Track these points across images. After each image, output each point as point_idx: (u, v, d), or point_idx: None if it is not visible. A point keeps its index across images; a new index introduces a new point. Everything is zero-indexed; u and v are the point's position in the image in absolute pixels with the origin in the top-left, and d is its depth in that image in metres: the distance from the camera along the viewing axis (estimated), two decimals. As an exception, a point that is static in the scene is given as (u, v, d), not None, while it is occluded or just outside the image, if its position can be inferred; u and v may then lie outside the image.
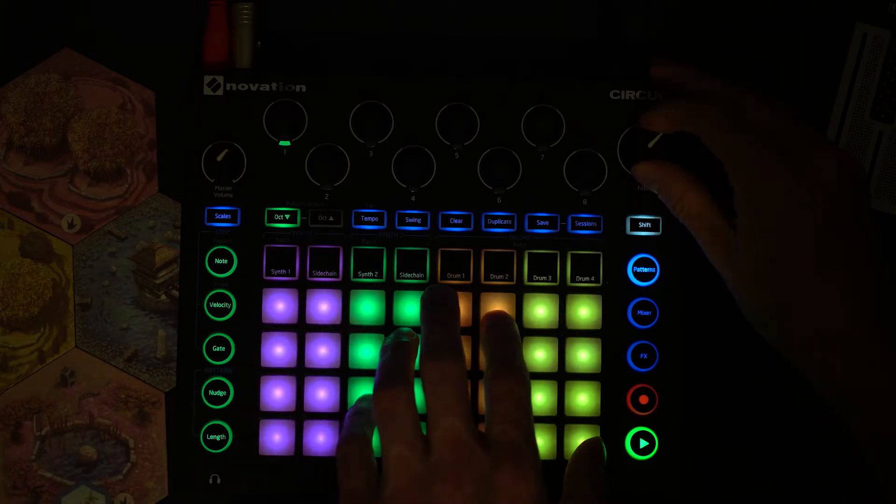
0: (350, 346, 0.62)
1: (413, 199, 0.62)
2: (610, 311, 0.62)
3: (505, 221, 0.62)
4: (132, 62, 0.65)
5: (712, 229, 0.58)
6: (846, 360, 0.54)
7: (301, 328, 0.62)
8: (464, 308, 0.62)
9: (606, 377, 0.62)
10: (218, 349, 0.61)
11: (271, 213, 0.62)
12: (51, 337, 0.65)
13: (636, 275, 0.62)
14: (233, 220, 0.61)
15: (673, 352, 0.62)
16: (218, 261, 0.61)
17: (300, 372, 0.61)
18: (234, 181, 0.62)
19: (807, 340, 0.55)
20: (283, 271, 0.61)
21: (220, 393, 0.61)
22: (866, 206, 0.56)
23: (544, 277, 0.62)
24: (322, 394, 0.61)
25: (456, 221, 0.62)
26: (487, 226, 0.62)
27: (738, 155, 0.56)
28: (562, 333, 0.62)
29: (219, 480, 0.61)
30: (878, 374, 0.54)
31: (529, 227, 0.62)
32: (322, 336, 0.62)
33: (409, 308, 0.62)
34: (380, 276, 0.62)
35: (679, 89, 0.60)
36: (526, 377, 0.57)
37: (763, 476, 0.65)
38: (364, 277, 0.62)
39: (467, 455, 0.53)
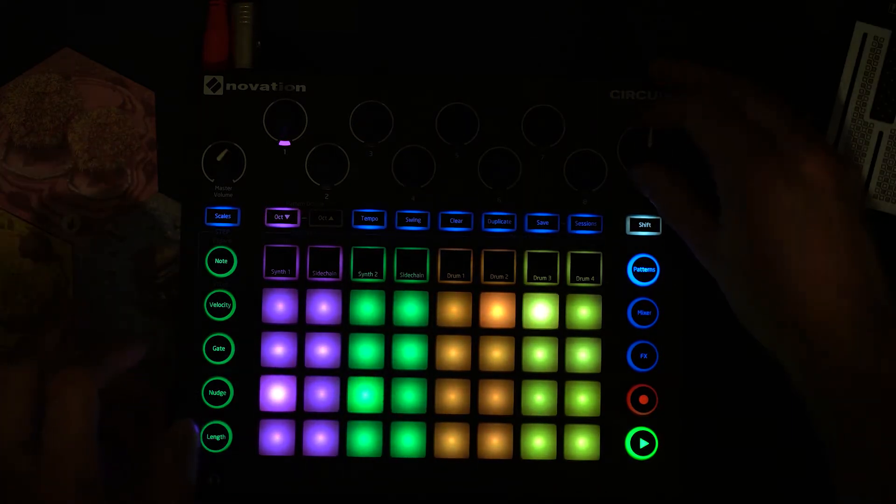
0: (350, 346, 0.62)
1: (413, 199, 0.62)
2: (610, 311, 0.62)
3: (505, 221, 0.62)
4: (132, 62, 0.65)
5: (699, 229, 0.58)
6: (831, 360, 0.53)
7: (301, 328, 0.62)
8: (464, 308, 0.62)
9: (606, 377, 0.62)
10: (218, 349, 0.61)
11: (271, 213, 0.62)
12: (51, 337, 0.65)
13: (636, 275, 0.62)
14: (233, 220, 0.61)
15: (673, 352, 0.62)
16: (218, 261, 0.61)
17: (300, 372, 0.61)
18: (234, 181, 0.62)
19: (792, 339, 0.55)
20: (283, 271, 0.61)
21: (220, 393, 0.61)
22: (857, 205, 0.55)
23: (544, 277, 0.62)
24: (322, 394, 0.61)
25: (456, 221, 0.62)
26: (487, 226, 0.62)
27: (724, 148, 0.55)
28: (562, 333, 0.62)
29: (219, 481, 0.61)
30: (860, 377, 0.53)
31: (529, 227, 0.62)
32: (322, 336, 0.62)
33: (409, 308, 0.62)
34: (380, 276, 0.62)
35: (678, 87, 0.60)
36: None
37: (763, 476, 0.65)
38: (364, 277, 0.62)
39: None
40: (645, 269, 0.62)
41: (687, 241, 0.59)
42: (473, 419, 0.62)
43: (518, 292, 0.62)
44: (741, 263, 0.55)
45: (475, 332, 0.62)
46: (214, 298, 0.61)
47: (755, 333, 0.57)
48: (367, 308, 0.62)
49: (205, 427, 0.61)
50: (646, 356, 0.62)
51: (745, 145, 0.55)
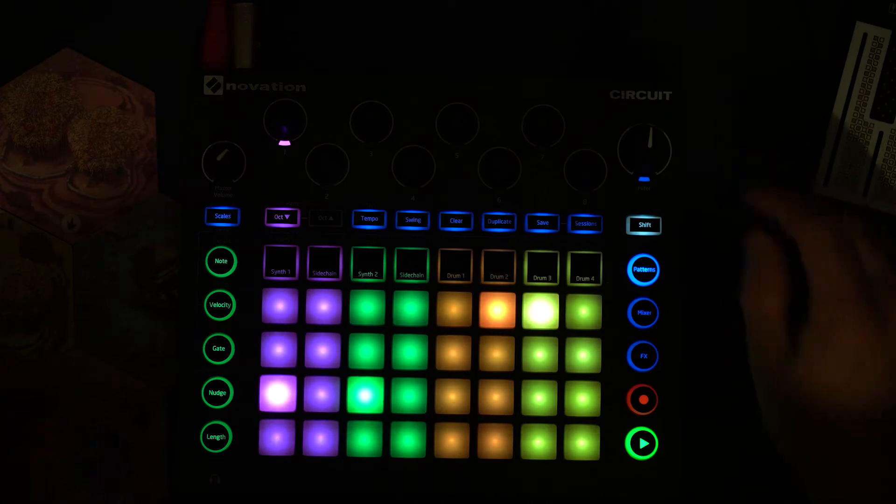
0: (350, 346, 0.62)
1: (413, 199, 0.62)
2: (610, 311, 0.62)
3: (505, 221, 0.62)
4: (132, 62, 0.65)
5: (773, 338, 0.57)
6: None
7: (301, 328, 0.62)
8: (464, 308, 0.62)
9: (606, 377, 0.62)
10: (218, 349, 0.61)
11: (271, 213, 0.62)
12: (51, 337, 0.65)
13: (636, 275, 0.62)
14: (233, 220, 0.61)
15: (673, 352, 0.62)
16: (218, 261, 0.61)
17: (300, 372, 0.61)
18: (234, 181, 0.62)
19: (823, 463, 0.56)
20: (283, 271, 0.61)
21: (220, 393, 0.61)
22: None
23: (544, 277, 0.62)
24: (322, 394, 0.61)
25: (456, 221, 0.62)
26: (487, 226, 0.62)
27: (831, 287, 0.56)
28: (562, 333, 0.62)
29: (219, 481, 0.61)
30: None
31: (529, 227, 0.62)
32: (322, 336, 0.62)
33: (409, 308, 0.62)
34: (380, 276, 0.62)
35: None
36: None
37: (762, 476, 0.65)
38: (364, 277, 0.62)
39: None
40: (645, 269, 0.62)
41: (753, 336, 0.58)
42: (473, 419, 0.62)
43: (518, 292, 0.62)
44: (803, 397, 0.56)
45: (475, 332, 0.62)
46: (214, 298, 0.61)
47: (777, 446, 0.58)
48: (367, 308, 0.62)
49: (205, 427, 0.61)
50: (646, 356, 0.62)
51: (850, 292, 0.55)
